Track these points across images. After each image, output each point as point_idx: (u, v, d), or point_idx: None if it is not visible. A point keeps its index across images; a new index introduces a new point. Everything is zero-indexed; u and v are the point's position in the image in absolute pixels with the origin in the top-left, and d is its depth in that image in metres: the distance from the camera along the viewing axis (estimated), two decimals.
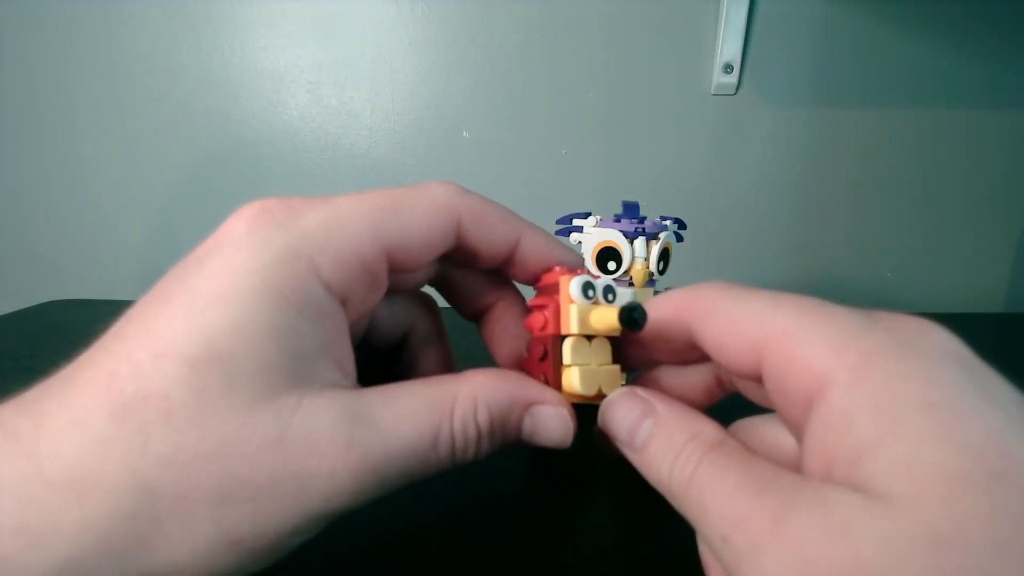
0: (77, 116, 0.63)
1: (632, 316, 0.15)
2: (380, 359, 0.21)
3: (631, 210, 0.30)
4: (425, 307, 0.21)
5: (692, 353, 0.16)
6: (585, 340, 0.17)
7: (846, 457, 0.11)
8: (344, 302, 0.15)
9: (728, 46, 0.58)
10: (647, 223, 0.29)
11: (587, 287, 0.17)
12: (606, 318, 0.16)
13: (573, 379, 0.17)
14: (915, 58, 0.59)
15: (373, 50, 0.61)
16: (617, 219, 0.30)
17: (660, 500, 0.15)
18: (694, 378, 0.18)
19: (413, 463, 0.14)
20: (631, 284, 0.29)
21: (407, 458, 0.14)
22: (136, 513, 0.12)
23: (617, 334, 0.18)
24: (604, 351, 0.18)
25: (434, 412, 0.15)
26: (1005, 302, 0.66)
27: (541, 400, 0.17)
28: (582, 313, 0.17)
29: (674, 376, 0.18)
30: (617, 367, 0.18)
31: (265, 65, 0.61)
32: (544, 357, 0.18)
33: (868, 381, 0.11)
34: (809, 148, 0.62)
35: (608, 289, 0.18)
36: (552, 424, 0.17)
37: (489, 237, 0.17)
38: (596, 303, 0.17)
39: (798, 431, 0.13)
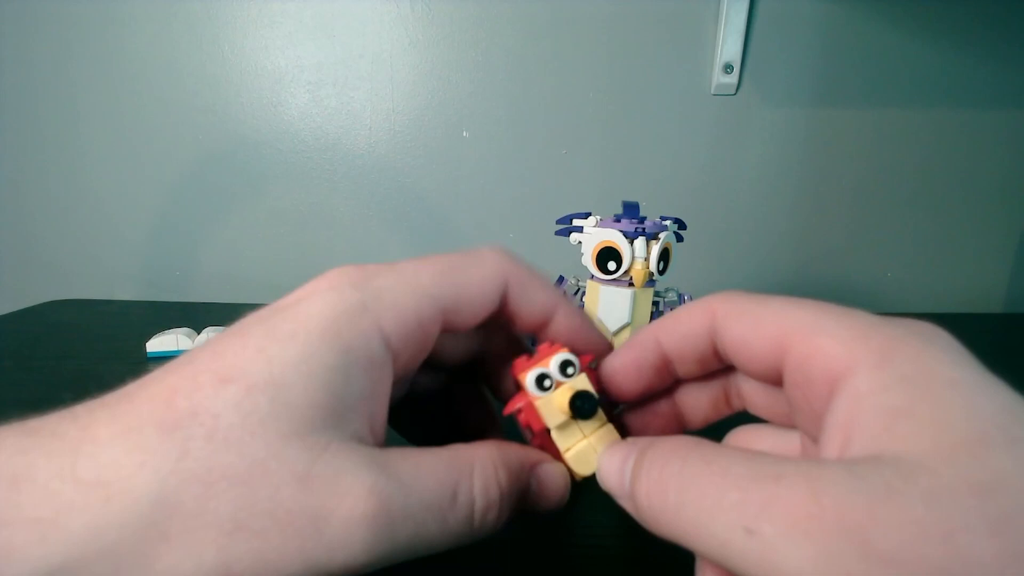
0: (77, 116, 0.63)
1: (577, 405, 0.17)
2: (421, 416, 0.23)
3: (631, 210, 0.30)
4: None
5: (711, 362, 0.18)
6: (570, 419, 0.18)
7: (872, 428, 0.12)
8: (396, 356, 0.16)
9: (728, 46, 0.58)
10: (647, 223, 0.29)
11: (541, 379, 0.18)
12: (559, 407, 0.17)
13: (573, 467, 0.18)
14: (915, 58, 0.59)
15: (373, 50, 0.61)
16: (617, 219, 0.30)
17: None
18: (705, 393, 0.19)
19: (430, 522, 0.14)
20: (631, 284, 0.29)
21: (424, 514, 0.14)
22: (150, 525, 0.12)
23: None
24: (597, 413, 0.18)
25: (453, 470, 0.15)
26: (1005, 302, 0.66)
27: (542, 460, 0.18)
28: (547, 405, 0.18)
29: (686, 392, 0.20)
30: (608, 427, 0.18)
31: (265, 65, 0.61)
32: (541, 442, 0.19)
33: (895, 361, 0.12)
34: (809, 148, 0.62)
35: (565, 364, 0.18)
36: (553, 480, 0.18)
37: (530, 304, 0.19)
38: (557, 385, 0.18)
39: (813, 424, 0.14)
